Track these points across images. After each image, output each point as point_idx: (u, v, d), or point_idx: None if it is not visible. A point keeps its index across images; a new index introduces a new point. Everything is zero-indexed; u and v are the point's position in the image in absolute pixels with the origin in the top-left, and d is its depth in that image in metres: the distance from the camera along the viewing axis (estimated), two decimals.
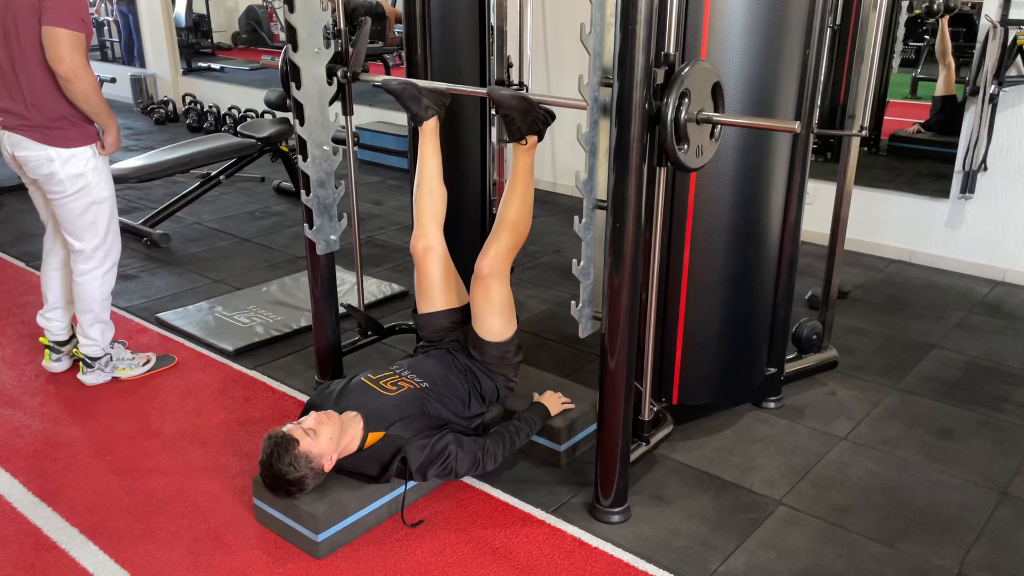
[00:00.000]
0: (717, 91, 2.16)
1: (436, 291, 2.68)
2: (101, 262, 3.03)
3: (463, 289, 2.72)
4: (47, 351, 3.21)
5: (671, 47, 2.13)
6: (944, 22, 4.61)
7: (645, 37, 1.96)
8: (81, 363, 3.12)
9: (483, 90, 2.72)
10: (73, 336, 3.19)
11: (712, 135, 2.17)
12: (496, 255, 2.48)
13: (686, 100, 2.03)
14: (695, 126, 2.08)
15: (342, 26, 2.87)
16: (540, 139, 2.53)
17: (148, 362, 3.24)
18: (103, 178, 2.96)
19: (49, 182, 2.87)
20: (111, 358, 3.14)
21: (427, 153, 2.68)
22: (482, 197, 3.42)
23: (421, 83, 2.68)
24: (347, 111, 3.00)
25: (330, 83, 2.80)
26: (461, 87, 2.77)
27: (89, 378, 3.12)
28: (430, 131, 2.68)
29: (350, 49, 2.86)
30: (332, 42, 2.78)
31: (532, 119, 2.47)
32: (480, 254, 2.49)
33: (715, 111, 2.15)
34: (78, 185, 2.88)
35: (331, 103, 2.82)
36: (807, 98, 2.68)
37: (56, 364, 3.22)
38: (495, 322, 2.54)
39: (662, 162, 2.14)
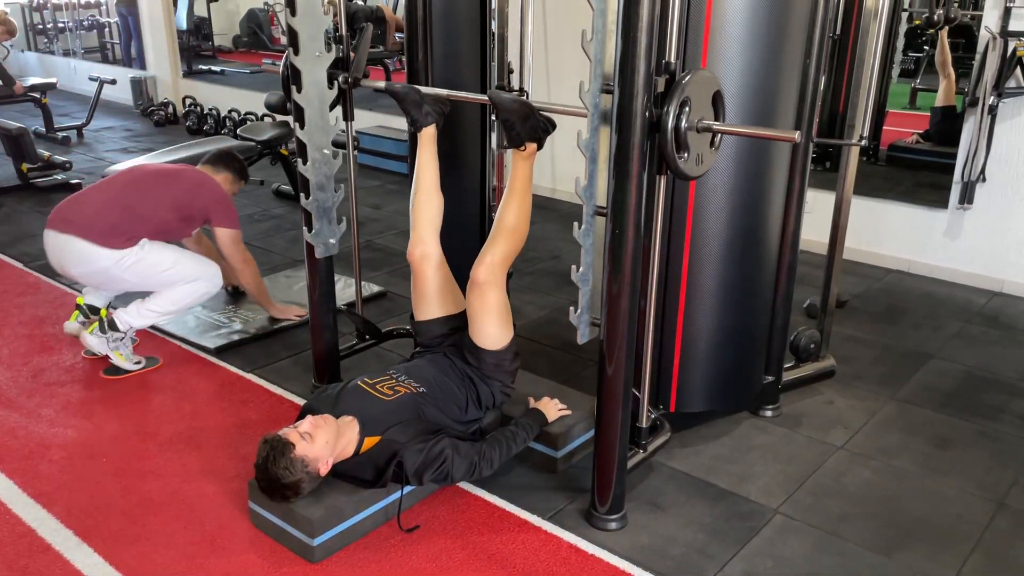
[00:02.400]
0: (718, 100, 2.16)
1: (433, 298, 2.68)
2: (201, 282, 3.28)
3: (460, 295, 2.71)
4: (76, 311, 3.40)
5: (672, 55, 2.14)
6: (944, 34, 4.62)
7: (646, 44, 1.96)
8: (99, 322, 3.21)
9: (484, 97, 2.73)
10: (101, 310, 3.32)
11: (712, 144, 2.18)
12: (492, 262, 2.47)
13: (687, 109, 2.03)
14: (695, 134, 2.09)
15: (343, 31, 2.88)
16: (540, 147, 2.53)
17: (139, 362, 3.28)
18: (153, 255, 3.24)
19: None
20: (122, 339, 3.23)
21: (425, 160, 2.68)
22: (481, 202, 3.42)
23: (423, 89, 2.68)
24: (348, 116, 3.00)
25: (331, 88, 2.80)
26: (462, 93, 2.77)
27: (93, 340, 3.20)
28: (428, 138, 2.68)
29: (351, 54, 2.86)
30: (333, 46, 2.78)
31: (532, 125, 2.47)
32: (476, 260, 2.49)
33: (715, 120, 2.16)
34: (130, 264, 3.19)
35: (332, 108, 2.83)
36: (807, 107, 2.68)
37: (74, 327, 3.43)
38: (491, 329, 2.53)
39: (662, 170, 2.15)
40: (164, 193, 3.31)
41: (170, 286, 3.24)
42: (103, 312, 3.26)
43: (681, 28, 2.28)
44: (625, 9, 1.95)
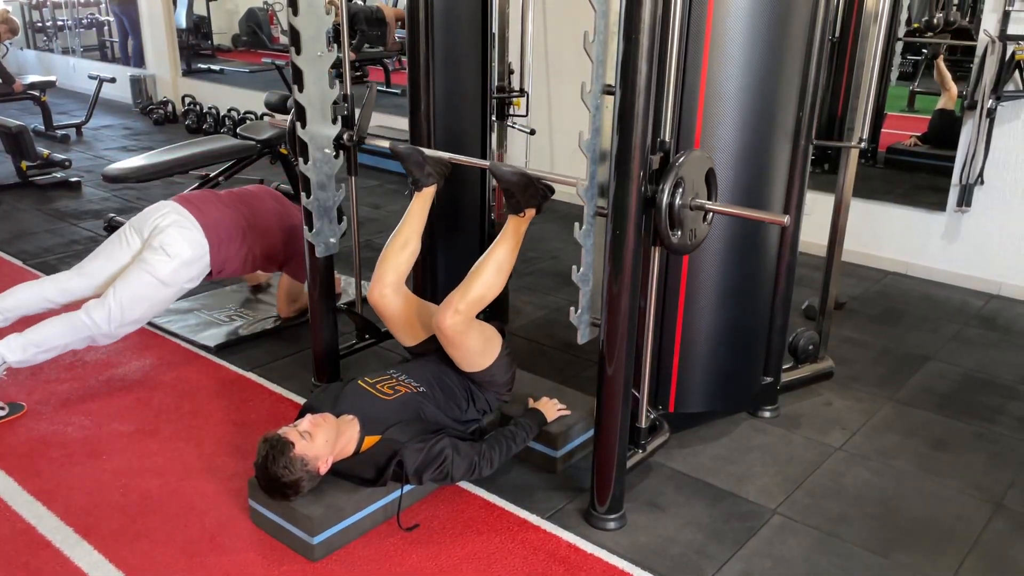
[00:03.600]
0: (711, 178, 2.22)
1: (404, 331, 2.70)
2: (107, 327, 2.99)
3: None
4: None
5: (673, 56, 2.15)
6: (939, 61, 4.68)
7: (648, 46, 1.97)
8: None
9: (485, 163, 2.75)
10: None
11: (705, 219, 2.24)
12: (458, 309, 2.42)
13: (680, 189, 2.10)
14: (689, 212, 2.15)
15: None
16: (538, 212, 2.53)
17: (3, 410, 2.91)
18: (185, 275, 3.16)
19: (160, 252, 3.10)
20: None
21: (415, 211, 2.68)
22: (480, 203, 3.43)
23: (426, 151, 2.70)
24: (352, 172, 3.04)
25: (337, 149, 2.87)
26: (464, 158, 2.80)
27: None
28: (425, 196, 2.69)
29: (356, 111, 2.91)
30: (335, 49, 2.78)
31: (531, 193, 2.48)
32: (443, 305, 2.44)
33: (708, 198, 2.22)
34: (175, 272, 3.11)
35: (335, 157, 2.88)
36: (807, 109, 2.69)
37: None
38: (470, 360, 2.54)
39: (656, 243, 2.20)
40: (276, 227, 3.49)
41: (88, 313, 2.96)
42: None
43: (683, 29, 2.29)
44: (627, 10, 1.96)
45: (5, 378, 2.98)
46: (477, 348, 2.53)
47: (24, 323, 2.99)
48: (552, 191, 2.52)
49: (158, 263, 3.07)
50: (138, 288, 3.03)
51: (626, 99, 2.02)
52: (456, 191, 3.24)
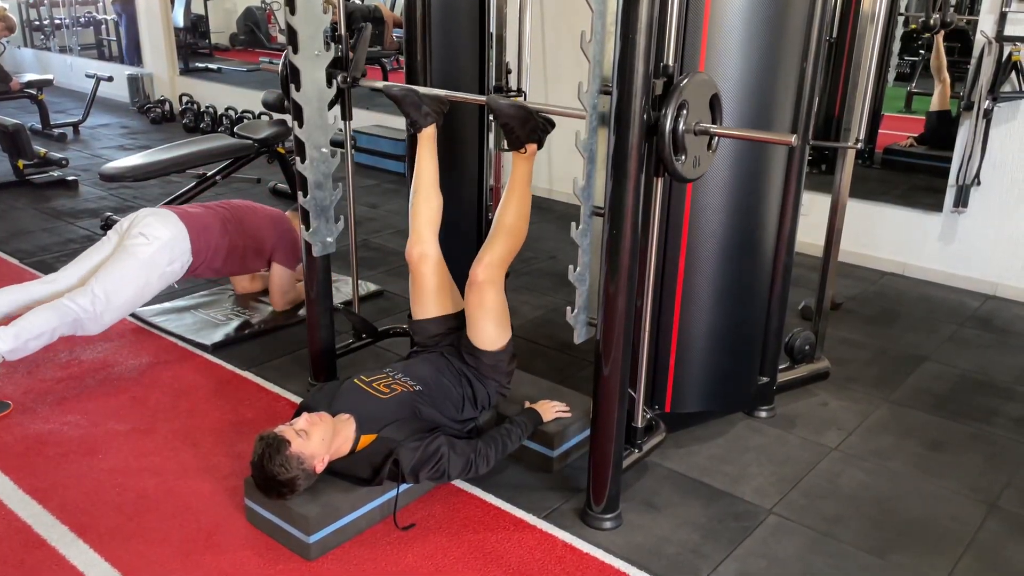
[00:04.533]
0: (715, 103, 2.17)
1: (431, 298, 2.68)
2: (92, 309, 3.03)
3: (458, 295, 2.72)
4: None
5: (670, 58, 2.15)
6: (939, 39, 4.65)
7: (645, 46, 1.97)
8: None
9: (482, 98, 2.73)
10: None
11: (709, 146, 2.19)
12: (491, 262, 2.48)
13: (684, 111, 2.05)
14: (693, 137, 2.10)
15: (342, 31, 2.88)
16: (540, 147, 2.54)
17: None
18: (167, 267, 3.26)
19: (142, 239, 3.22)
20: None
21: (424, 160, 2.69)
22: (478, 202, 3.43)
23: (421, 90, 2.68)
24: (346, 116, 3.01)
25: (330, 87, 2.80)
26: (461, 94, 2.77)
27: None
28: (428, 138, 2.68)
29: (350, 54, 2.87)
30: (332, 46, 2.79)
31: (531, 127, 2.48)
32: (475, 260, 2.49)
33: (713, 123, 2.17)
34: (156, 254, 3.20)
35: (330, 107, 2.83)
36: (804, 110, 2.69)
37: None
38: (489, 328, 2.54)
39: (659, 172, 2.16)
40: (261, 218, 3.64)
41: (74, 298, 2.99)
42: None
43: (679, 30, 2.29)
44: (624, 10, 1.96)
45: (3, 371, 2.97)
46: (499, 313, 2.54)
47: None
48: (552, 124, 2.52)
49: (138, 246, 3.18)
50: (120, 272, 3.12)
51: (623, 99, 2.02)
52: (454, 189, 3.23)
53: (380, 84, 2.79)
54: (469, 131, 3.31)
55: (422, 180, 2.68)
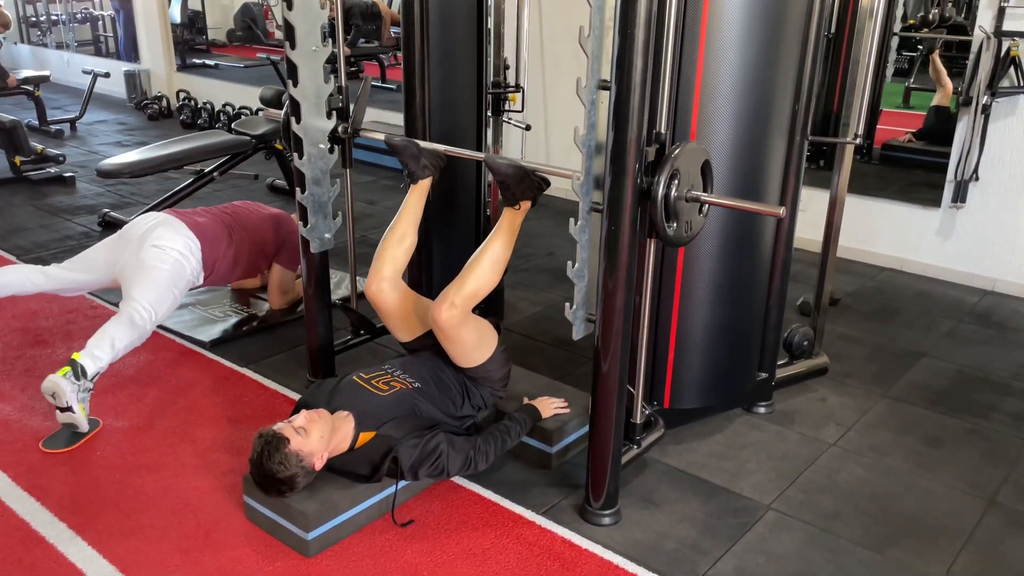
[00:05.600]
0: (706, 170, 2.21)
1: (400, 326, 2.68)
2: (149, 327, 3.03)
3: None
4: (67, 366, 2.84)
5: (668, 51, 2.15)
6: (935, 56, 4.67)
7: (644, 41, 1.97)
8: (72, 366, 2.75)
9: (481, 155, 2.74)
10: (74, 354, 2.87)
11: (700, 211, 2.23)
12: (453, 303, 2.41)
13: (676, 181, 2.09)
14: (684, 204, 2.15)
15: (343, 82, 2.88)
16: (533, 205, 2.52)
17: (95, 424, 2.85)
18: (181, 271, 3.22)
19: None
20: (90, 390, 2.80)
21: (411, 204, 2.67)
22: (476, 197, 3.42)
23: (422, 144, 2.69)
24: (347, 164, 3.04)
25: (331, 142, 2.86)
26: (459, 151, 2.78)
27: (67, 385, 2.70)
28: (421, 188, 2.68)
29: (351, 105, 2.90)
30: (329, 41, 2.78)
31: (527, 185, 2.47)
32: (440, 296, 2.43)
33: (704, 190, 2.21)
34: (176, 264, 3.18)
35: (330, 151, 2.87)
36: (802, 106, 2.69)
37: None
38: (466, 355, 2.54)
39: (651, 235, 2.20)
40: (264, 219, 3.64)
41: (132, 312, 2.97)
42: (76, 356, 2.79)
43: (678, 25, 2.29)
44: (623, 5, 1.95)
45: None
46: (472, 343, 2.52)
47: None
48: (548, 183, 2.51)
49: (158, 259, 3.13)
50: (154, 285, 3.07)
51: (621, 94, 2.01)
52: (452, 186, 3.24)
53: (381, 135, 2.80)
54: (467, 127, 3.30)
55: (402, 219, 2.65)
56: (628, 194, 2.07)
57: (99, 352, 2.84)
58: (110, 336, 2.90)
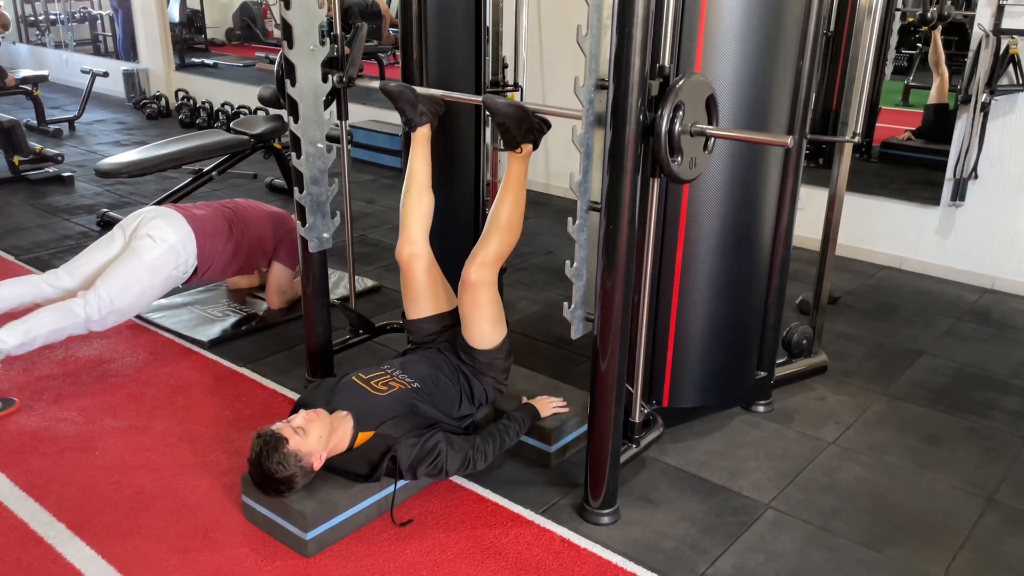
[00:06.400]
0: (711, 104, 2.17)
1: (423, 297, 2.67)
2: (96, 313, 3.04)
3: (451, 292, 2.71)
4: None
5: (666, 53, 2.14)
6: (937, 33, 4.64)
7: (641, 40, 1.96)
8: None
9: (479, 98, 2.72)
10: None
11: (706, 147, 2.19)
12: (483, 262, 2.46)
13: (680, 113, 2.05)
14: (689, 138, 2.10)
15: (338, 30, 2.86)
16: (535, 147, 2.52)
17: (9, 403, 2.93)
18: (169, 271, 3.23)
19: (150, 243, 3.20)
20: None
21: (417, 159, 2.67)
22: (475, 198, 3.42)
23: (419, 89, 2.67)
24: (342, 115, 3.00)
25: (328, 96, 2.80)
26: (457, 94, 2.76)
27: None
28: (422, 137, 2.67)
29: (346, 52, 2.85)
30: (328, 43, 2.77)
31: (527, 127, 2.46)
32: (468, 259, 2.48)
33: (709, 124, 2.17)
34: (162, 257, 3.18)
35: (326, 106, 2.81)
36: (801, 103, 2.69)
37: None
38: (484, 328, 2.53)
39: (655, 173, 2.15)
40: (264, 218, 3.63)
41: (82, 301, 3.00)
42: None
43: (676, 25, 2.28)
44: (620, 4, 1.95)
45: (1, 368, 2.97)
46: (493, 315, 2.52)
47: (9, 318, 2.99)
48: (548, 125, 2.50)
49: (144, 249, 3.16)
50: (126, 274, 3.10)
51: (619, 94, 2.01)
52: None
53: (376, 83, 2.77)
54: (465, 127, 3.30)
55: (414, 179, 2.67)
56: (631, 129, 2.01)
57: (14, 331, 2.88)
58: (35, 320, 2.92)
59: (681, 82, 2.05)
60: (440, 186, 2.72)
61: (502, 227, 2.52)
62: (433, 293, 2.67)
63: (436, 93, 2.69)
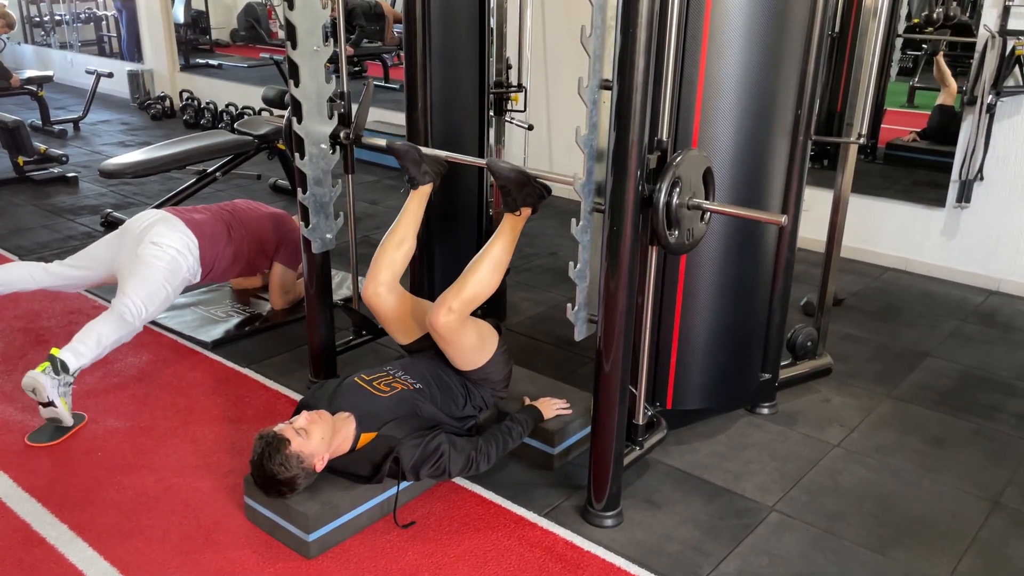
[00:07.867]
0: (708, 177, 2.21)
1: (399, 329, 2.67)
2: (137, 322, 3.06)
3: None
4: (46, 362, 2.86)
5: (671, 51, 2.14)
6: (939, 59, 4.67)
7: (646, 40, 1.96)
8: (51, 361, 2.78)
9: (482, 161, 2.74)
10: (52, 349, 2.89)
11: (703, 219, 2.23)
12: (451, 310, 2.40)
13: (677, 189, 2.09)
14: (686, 211, 2.14)
15: (344, 89, 2.86)
16: (534, 212, 2.51)
17: (79, 417, 2.90)
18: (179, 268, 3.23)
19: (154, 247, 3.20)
20: (71, 385, 2.82)
21: (411, 210, 2.66)
22: (478, 200, 3.42)
23: (424, 150, 2.68)
24: (348, 170, 3.03)
25: (333, 146, 2.85)
26: (461, 156, 2.77)
27: (46, 380, 2.72)
28: (421, 194, 2.67)
29: (353, 109, 2.88)
30: (331, 40, 2.77)
31: (528, 192, 2.45)
32: (436, 303, 2.43)
33: (706, 198, 2.21)
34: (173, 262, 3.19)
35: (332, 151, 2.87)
36: (805, 105, 2.67)
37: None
38: (465, 357, 2.53)
39: (653, 243, 2.19)
40: (264, 218, 3.64)
41: (123, 308, 3.00)
42: (55, 351, 2.81)
43: (680, 24, 2.28)
44: (624, 4, 1.94)
45: (76, 387, 2.93)
46: (472, 346, 2.52)
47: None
48: (549, 190, 2.50)
49: (155, 257, 3.14)
50: (148, 283, 3.09)
51: (623, 94, 2.00)
52: (453, 187, 3.23)
53: (383, 142, 2.79)
54: (467, 124, 3.29)
55: (399, 228, 2.64)
56: (630, 200, 2.06)
57: (83, 348, 2.87)
58: (97, 332, 2.92)
59: (679, 158, 2.10)
60: (442, 187, 2.72)
61: (480, 274, 2.46)
62: (405, 324, 2.66)
63: (441, 155, 2.70)
